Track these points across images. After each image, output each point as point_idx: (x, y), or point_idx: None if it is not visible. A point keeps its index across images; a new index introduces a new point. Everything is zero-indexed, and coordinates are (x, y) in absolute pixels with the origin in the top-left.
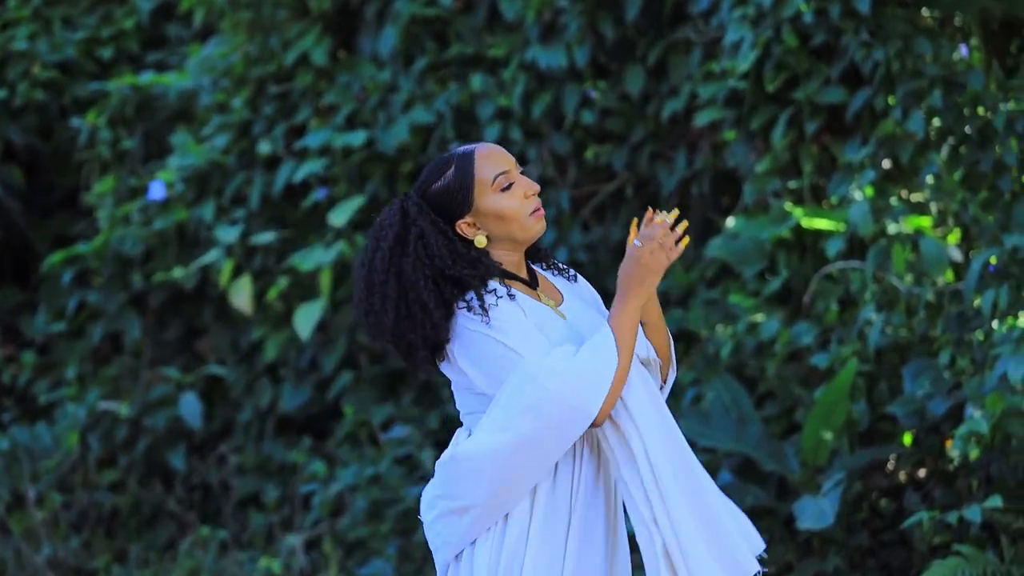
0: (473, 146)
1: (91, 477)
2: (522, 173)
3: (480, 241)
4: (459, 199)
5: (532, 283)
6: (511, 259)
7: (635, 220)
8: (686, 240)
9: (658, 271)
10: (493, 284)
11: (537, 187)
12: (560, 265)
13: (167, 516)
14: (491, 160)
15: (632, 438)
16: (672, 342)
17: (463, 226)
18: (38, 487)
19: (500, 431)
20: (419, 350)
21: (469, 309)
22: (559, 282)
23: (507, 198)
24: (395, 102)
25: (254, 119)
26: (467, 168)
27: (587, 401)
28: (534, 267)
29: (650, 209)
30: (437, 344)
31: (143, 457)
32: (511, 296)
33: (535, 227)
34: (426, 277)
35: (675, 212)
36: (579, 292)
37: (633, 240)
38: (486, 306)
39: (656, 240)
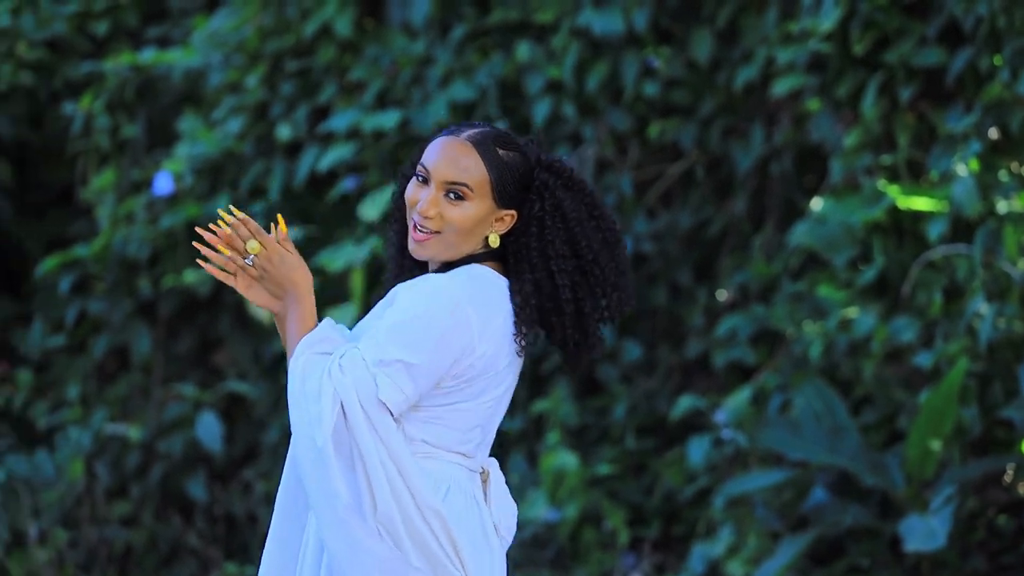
0: (454, 129)
1: (99, 510)
2: (461, 198)
3: None
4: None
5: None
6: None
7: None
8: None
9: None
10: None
11: (426, 210)
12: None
13: (187, 552)
14: (430, 151)
15: None
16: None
17: None
18: (40, 523)
19: None
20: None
21: None
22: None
23: (411, 189)
24: (431, 77)
25: (271, 100)
26: (425, 144)
27: None
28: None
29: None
30: None
31: (158, 486)
32: None
33: (410, 241)
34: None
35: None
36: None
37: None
38: None
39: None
